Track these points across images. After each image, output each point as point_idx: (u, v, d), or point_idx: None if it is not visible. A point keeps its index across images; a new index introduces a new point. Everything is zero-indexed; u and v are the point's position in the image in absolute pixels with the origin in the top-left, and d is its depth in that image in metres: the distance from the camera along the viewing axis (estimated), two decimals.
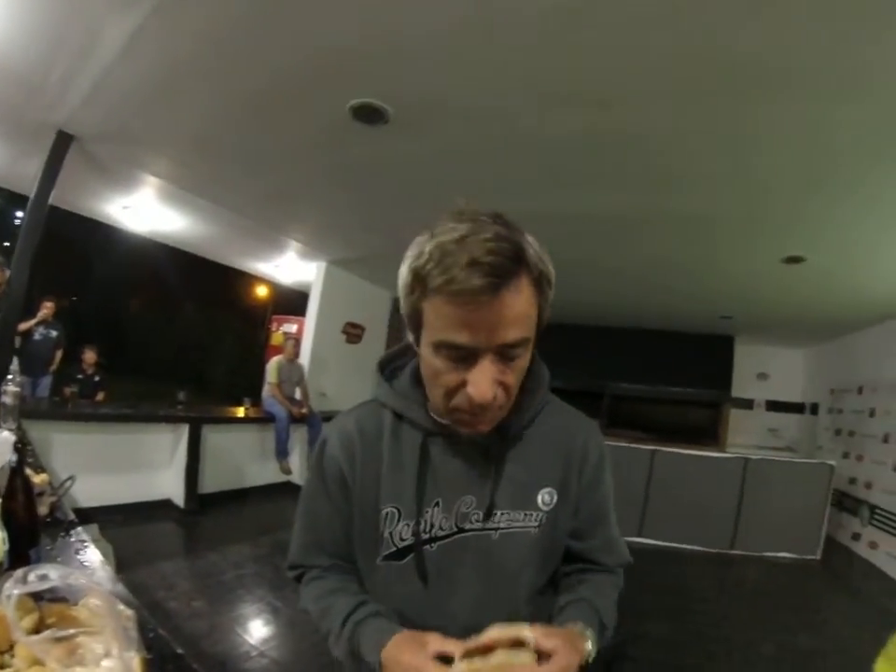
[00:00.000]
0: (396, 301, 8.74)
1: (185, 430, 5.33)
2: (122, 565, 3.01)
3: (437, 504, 0.95)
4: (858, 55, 2.23)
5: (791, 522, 5.99)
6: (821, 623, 4.25)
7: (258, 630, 3.27)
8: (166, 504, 5.23)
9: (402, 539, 0.95)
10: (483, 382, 0.78)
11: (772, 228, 4.24)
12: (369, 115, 3.10)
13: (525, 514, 0.97)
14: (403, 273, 0.81)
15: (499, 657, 0.75)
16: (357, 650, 0.91)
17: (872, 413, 6.91)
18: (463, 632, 0.83)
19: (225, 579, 3.80)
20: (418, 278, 0.77)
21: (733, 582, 5.19)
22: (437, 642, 0.81)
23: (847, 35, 2.13)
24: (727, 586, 5.09)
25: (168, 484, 5.32)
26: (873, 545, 6.19)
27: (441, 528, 0.95)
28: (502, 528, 0.96)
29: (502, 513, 0.96)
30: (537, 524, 0.97)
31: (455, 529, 0.95)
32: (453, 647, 0.79)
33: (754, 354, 9.97)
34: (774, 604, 4.60)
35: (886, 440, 6.41)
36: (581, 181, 3.82)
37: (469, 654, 0.77)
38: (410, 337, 0.89)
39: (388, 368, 1.06)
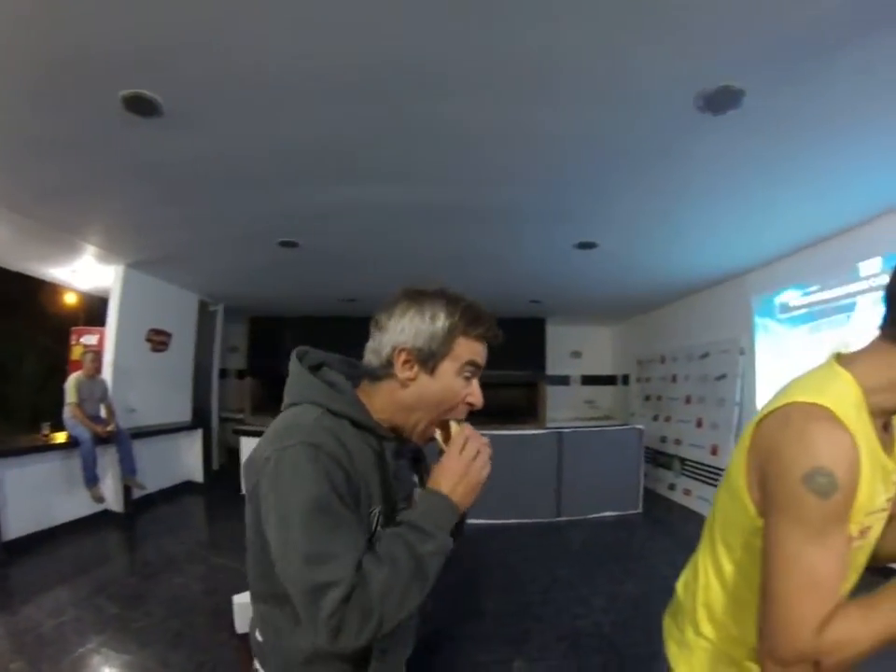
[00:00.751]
0: (203, 304, 8.13)
1: None
2: None
3: (404, 501, 1.12)
4: (620, 61, 2.41)
5: (611, 483, 6.48)
6: (647, 569, 4.60)
7: None
8: None
9: None
10: (479, 392, 1.12)
11: (566, 216, 4.52)
12: (141, 106, 2.76)
13: None
14: (442, 320, 1.07)
15: None
16: (441, 546, 0.98)
17: (674, 379, 7.81)
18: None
19: (43, 631, 3.26)
20: (459, 324, 1.07)
21: (561, 548, 5.36)
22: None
23: (610, 44, 2.29)
24: (555, 553, 5.22)
25: None
26: (686, 492, 7.04)
27: None
28: None
29: None
30: None
31: None
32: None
33: (566, 334, 10.80)
34: (601, 560, 4.87)
35: (688, 401, 7.30)
36: (385, 176, 3.77)
37: None
38: (410, 369, 1.07)
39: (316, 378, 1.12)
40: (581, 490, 6.30)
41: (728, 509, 1.03)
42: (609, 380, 11.14)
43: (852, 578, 0.99)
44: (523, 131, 3.08)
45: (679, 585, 1.22)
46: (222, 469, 8.44)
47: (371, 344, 1.11)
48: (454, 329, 1.07)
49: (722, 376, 6.52)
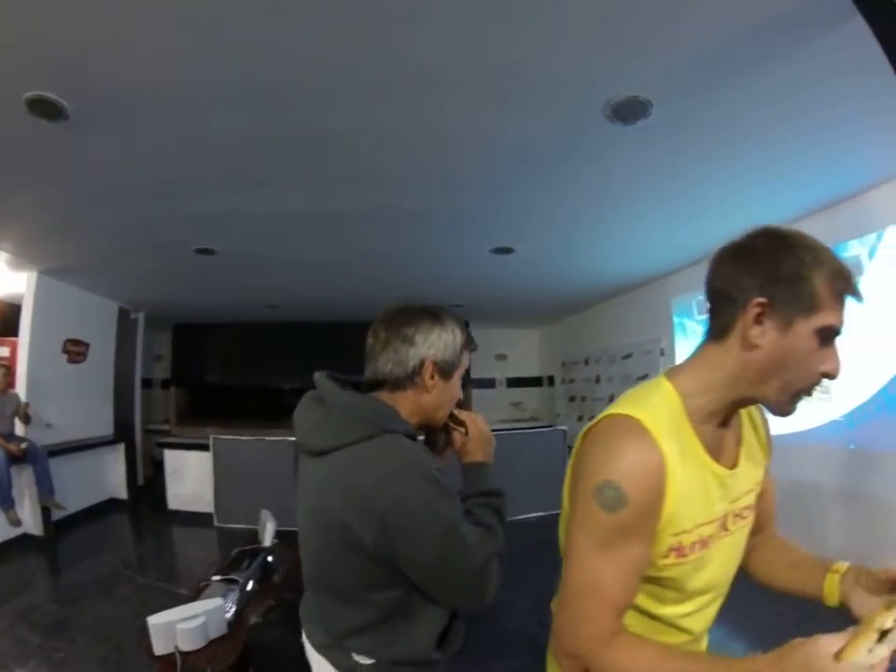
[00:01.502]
0: (124, 311, 7.78)
1: None
2: None
3: None
4: (528, 67, 2.49)
5: (536, 484, 6.49)
6: None
7: None
8: None
9: None
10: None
11: (478, 222, 4.57)
12: (46, 109, 2.68)
13: None
14: (459, 336, 1.29)
15: None
16: None
17: (598, 380, 8.17)
18: None
19: None
20: (465, 339, 1.31)
21: None
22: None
23: (517, 50, 2.35)
24: None
25: None
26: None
27: None
28: None
29: None
30: None
31: None
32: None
33: (492, 336, 10.89)
34: (527, 561, 4.85)
35: (611, 401, 7.56)
36: (292, 182, 3.77)
37: None
38: (432, 378, 1.25)
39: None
40: (508, 492, 6.40)
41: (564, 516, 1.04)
42: (535, 381, 11.42)
43: (720, 586, 1.02)
44: (422, 133, 3.09)
45: None
46: (147, 484, 8.07)
47: (393, 356, 1.22)
48: (464, 344, 1.31)
49: (644, 376, 6.86)
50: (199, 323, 9.67)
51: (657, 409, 0.90)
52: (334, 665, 1.20)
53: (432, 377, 1.24)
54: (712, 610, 1.04)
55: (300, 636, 1.34)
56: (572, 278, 6.75)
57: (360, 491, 1.08)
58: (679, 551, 0.90)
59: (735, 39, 2.25)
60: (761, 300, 0.84)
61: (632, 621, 0.94)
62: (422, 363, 1.22)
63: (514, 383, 11.55)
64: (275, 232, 4.81)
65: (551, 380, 10.61)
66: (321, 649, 1.23)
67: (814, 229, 1.10)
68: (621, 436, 0.87)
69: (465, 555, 1.11)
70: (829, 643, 0.70)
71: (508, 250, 5.35)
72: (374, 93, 2.67)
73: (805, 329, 0.83)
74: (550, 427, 8.30)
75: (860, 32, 1.92)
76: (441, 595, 1.16)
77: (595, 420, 0.94)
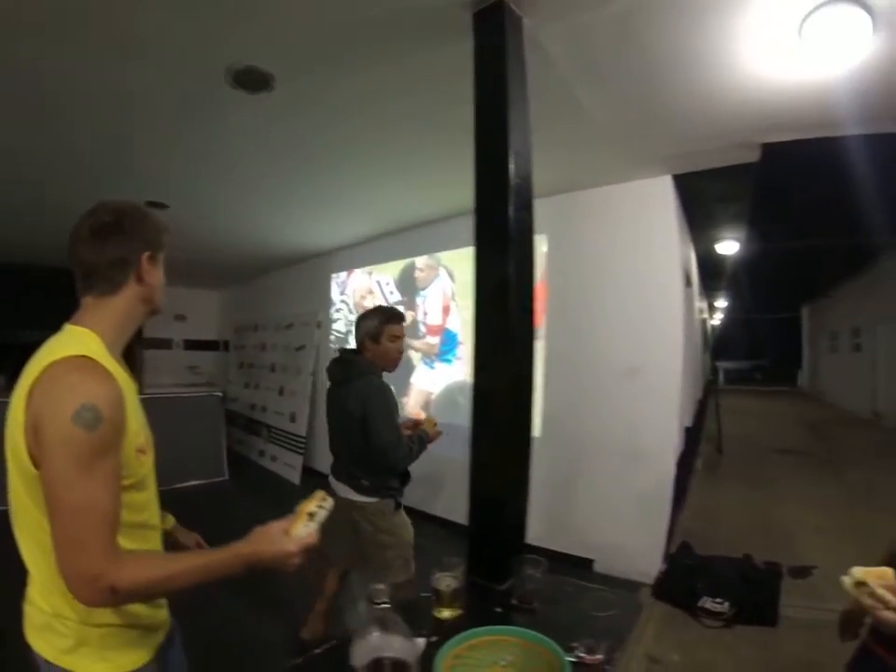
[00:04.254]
0: None
1: None
2: None
3: None
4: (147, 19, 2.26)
5: (195, 451, 6.34)
6: (235, 532, 4.60)
7: None
8: None
9: None
10: None
11: (124, 172, 4.15)
12: None
13: None
14: (377, 320, 2.67)
15: None
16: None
17: (264, 347, 7.98)
18: None
19: None
20: (387, 320, 2.68)
21: None
22: None
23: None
24: None
25: None
26: (274, 458, 7.26)
27: None
28: None
29: None
30: None
31: None
32: None
33: (171, 294, 9.79)
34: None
35: (273, 369, 7.55)
36: None
37: None
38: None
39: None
40: (165, 459, 5.96)
41: (16, 481, 1.03)
42: (212, 345, 10.81)
43: (150, 486, 1.18)
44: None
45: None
46: None
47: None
48: (384, 322, 2.70)
49: (302, 347, 6.89)
50: None
51: (91, 349, 1.04)
52: (351, 486, 2.65)
53: None
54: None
55: None
56: (238, 243, 6.50)
57: (360, 394, 2.58)
58: (141, 450, 1.09)
59: (361, 27, 2.28)
60: (147, 253, 1.18)
61: (123, 540, 1.01)
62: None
63: (192, 345, 10.72)
64: None
65: (226, 344, 10.15)
66: (345, 479, 2.69)
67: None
68: (81, 370, 0.99)
69: (389, 428, 2.54)
70: (281, 524, 1.10)
71: (161, 205, 4.90)
72: None
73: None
74: (205, 392, 7.83)
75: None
76: (377, 444, 2.52)
77: (33, 375, 0.99)
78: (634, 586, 3.63)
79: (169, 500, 1.27)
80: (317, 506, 1.14)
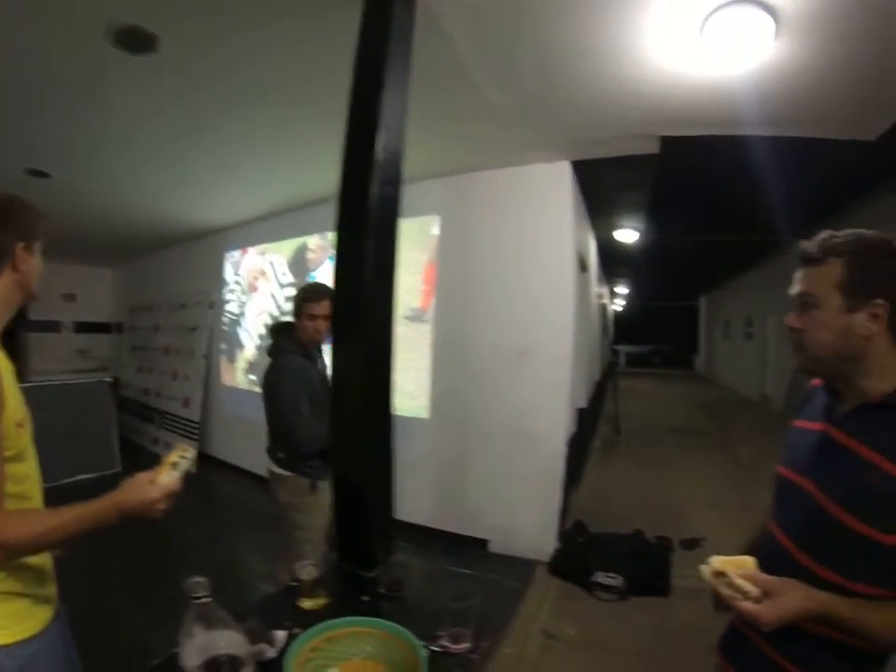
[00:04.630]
0: None
1: None
2: None
3: None
4: None
5: (84, 442, 5.83)
6: (129, 528, 4.26)
7: None
8: None
9: None
10: None
11: (7, 138, 3.80)
12: None
13: None
14: (299, 297, 2.65)
15: None
16: None
17: (157, 329, 7.56)
18: None
19: None
20: (305, 298, 2.61)
21: None
22: None
23: None
24: None
25: None
26: (168, 445, 6.76)
27: None
28: None
29: None
30: None
31: None
32: None
33: (59, 273, 9.17)
34: None
35: (166, 352, 7.16)
36: None
37: None
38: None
39: None
40: (48, 454, 5.50)
41: None
42: (104, 328, 10.11)
43: (30, 459, 1.25)
44: None
45: None
46: None
47: None
48: (303, 302, 2.68)
49: (195, 328, 6.57)
50: None
51: None
52: (271, 458, 2.69)
53: None
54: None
55: None
56: (129, 216, 6.04)
57: (270, 372, 2.65)
58: (20, 424, 1.15)
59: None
60: (22, 244, 1.21)
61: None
62: None
63: (83, 328, 9.99)
64: None
65: (119, 326, 9.53)
66: (268, 451, 2.72)
67: None
68: None
69: (289, 410, 2.51)
70: (147, 475, 1.17)
71: (43, 174, 4.50)
72: None
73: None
74: (92, 379, 7.33)
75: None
76: (277, 425, 2.65)
77: None
78: (529, 565, 3.70)
79: (56, 498, 1.21)
80: (180, 456, 1.24)
